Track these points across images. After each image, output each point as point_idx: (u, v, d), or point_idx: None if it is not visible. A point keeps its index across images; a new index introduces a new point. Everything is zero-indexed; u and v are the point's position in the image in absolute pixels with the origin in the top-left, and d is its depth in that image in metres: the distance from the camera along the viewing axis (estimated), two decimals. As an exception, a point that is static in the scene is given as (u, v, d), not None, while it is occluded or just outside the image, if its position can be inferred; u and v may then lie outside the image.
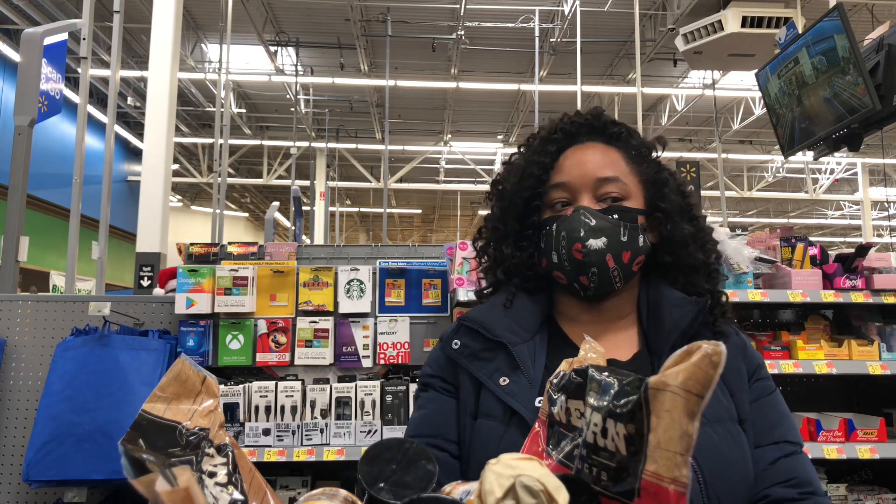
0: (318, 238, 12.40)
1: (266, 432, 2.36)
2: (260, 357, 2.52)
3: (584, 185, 1.00)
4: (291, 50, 10.55)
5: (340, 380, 2.52)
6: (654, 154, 1.07)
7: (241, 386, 2.39)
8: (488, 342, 0.98)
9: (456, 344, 1.01)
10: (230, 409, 2.37)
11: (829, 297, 2.50)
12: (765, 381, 0.99)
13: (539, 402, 0.89)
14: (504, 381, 0.94)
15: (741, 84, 11.40)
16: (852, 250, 2.60)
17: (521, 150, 1.12)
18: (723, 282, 1.10)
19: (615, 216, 0.98)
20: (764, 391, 0.98)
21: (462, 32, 9.39)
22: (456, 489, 0.62)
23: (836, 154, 5.72)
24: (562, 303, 1.06)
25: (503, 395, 0.92)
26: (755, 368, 0.99)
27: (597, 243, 0.95)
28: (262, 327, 2.53)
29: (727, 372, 0.89)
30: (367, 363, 2.55)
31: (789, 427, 0.97)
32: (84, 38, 4.22)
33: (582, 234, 0.96)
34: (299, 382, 2.43)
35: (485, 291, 1.12)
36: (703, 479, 0.82)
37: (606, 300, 1.01)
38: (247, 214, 19.29)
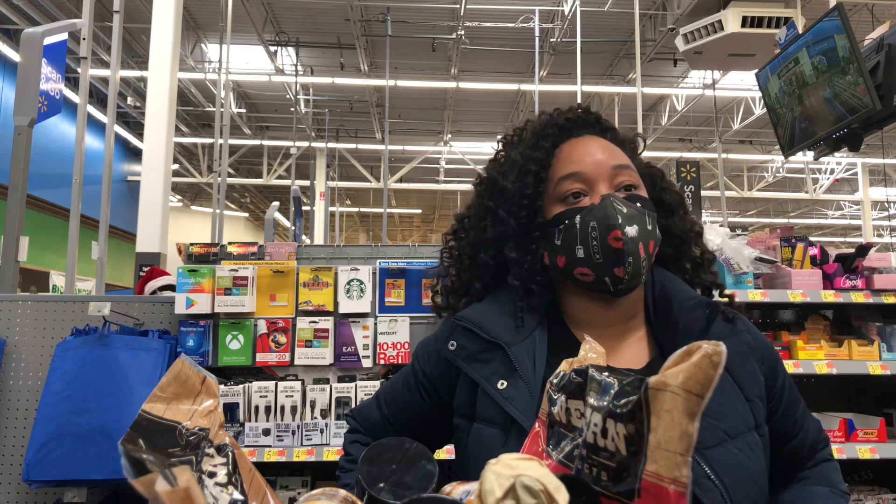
0: (318, 238, 12.40)
1: (266, 432, 2.36)
2: (260, 357, 2.51)
3: (600, 174, 0.95)
4: (291, 50, 10.55)
5: (340, 380, 2.52)
6: (639, 149, 1.07)
7: (241, 386, 2.39)
8: (485, 343, 0.95)
9: (452, 345, 0.97)
10: (230, 409, 2.37)
11: (829, 297, 2.50)
12: (789, 388, 0.98)
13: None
14: (502, 384, 0.90)
15: (741, 84, 11.41)
16: (852, 250, 2.60)
17: (509, 146, 1.07)
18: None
19: (639, 204, 0.94)
20: (791, 399, 0.97)
21: (462, 32, 9.39)
22: (456, 489, 0.62)
23: (836, 154, 5.72)
24: (570, 305, 1.00)
25: (501, 401, 0.88)
26: (775, 373, 0.95)
27: (632, 231, 0.90)
28: (262, 327, 2.53)
29: (742, 376, 0.89)
30: (367, 363, 2.55)
31: (803, 407, 1.00)
32: (84, 38, 4.21)
33: (620, 221, 0.89)
34: (299, 382, 2.43)
35: (461, 301, 1.06)
36: (728, 498, 0.79)
37: (627, 296, 0.96)
38: (247, 214, 19.29)
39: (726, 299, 1.00)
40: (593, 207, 0.92)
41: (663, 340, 0.95)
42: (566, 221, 0.94)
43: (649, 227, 0.93)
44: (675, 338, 0.92)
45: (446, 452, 1.75)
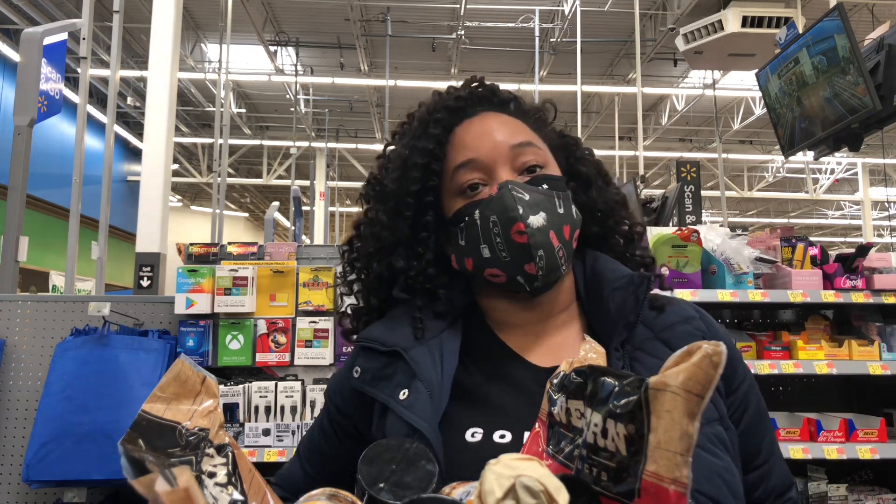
0: (318, 238, 12.40)
1: (266, 432, 2.36)
2: (260, 357, 2.52)
3: (498, 157, 0.83)
4: (291, 50, 10.55)
5: (340, 380, 2.52)
6: (549, 118, 0.93)
7: (240, 386, 2.39)
8: (385, 356, 0.83)
9: (357, 371, 0.85)
10: (230, 410, 2.37)
11: (830, 297, 2.49)
12: (756, 401, 0.84)
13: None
14: (404, 394, 0.78)
15: (741, 84, 11.41)
16: (853, 250, 2.60)
17: (395, 138, 0.94)
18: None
19: (545, 186, 0.82)
20: (758, 415, 0.84)
21: (462, 32, 9.39)
22: (456, 489, 0.62)
23: (836, 154, 5.72)
24: (489, 307, 0.89)
25: (401, 412, 0.77)
26: (733, 369, 0.82)
27: (538, 220, 0.78)
28: (262, 327, 2.53)
29: None
30: (367, 363, 2.55)
31: (772, 437, 0.86)
32: (84, 38, 4.21)
33: (521, 212, 0.78)
34: (299, 383, 2.43)
35: (362, 321, 0.93)
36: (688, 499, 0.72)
37: (549, 292, 0.84)
38: (247, 214, 19.30)
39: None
40: (491, 199, 0.81)
41: (598, 328, 0.84)
42: (466, 218, 0.83)
43: (561, 211, 0.81)
44: (609, 322, 0.82)
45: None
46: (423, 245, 0.87)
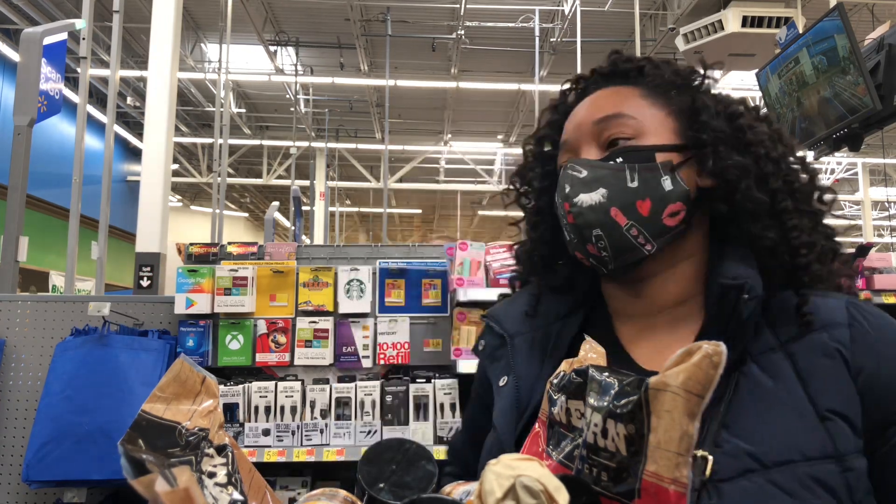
0: (318, 238, 12.40)
1: (266, 432, 2.35)
2: (260, 357, 2.52)
3: (582, 136, 0.80)
4: (291, 50, 10.55)
5: (340, 380, 2.52)
6: (694, 80, 0.82)
7: (240, 386, 2.39)
8: (499, 337, 0.86)
9: (481, 344, 0.89)
10: (230, 410, 2.37)
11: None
12: None
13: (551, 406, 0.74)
14: (503, 381, 0.81)
15: (741, 84, 11.38)
16: (853, 250, 2.60)
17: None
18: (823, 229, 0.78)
19: (619, 160, 0.75)
20: None
21: (462, 32, 9.39)
22: (456, 489, 0.62)
23: (836, 154, 5.72)
24: (609, 296, 0.85)
25: (496, 399, 0.81)
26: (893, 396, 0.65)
27: (591, 198, 0.74)
28: (262, 327, 2.53)
29: (813, 383, 0.65)
30: (366, 363, 2.55)
31: None
32: (84, 38, 4.21)
33: (568, 191, 0.76)
34: (299, 383, 2.43)
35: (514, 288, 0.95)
36: None
37: (648, 277, 0.77)
38: (247, 214, 19.29)
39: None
40: (558, 181, 0.80)
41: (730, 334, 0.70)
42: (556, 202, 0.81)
43: (633, 185, 0.74)
44: (739, 332, 0.69)
45: (446, 453, 1.75)
46: (545, 223, 0.88)
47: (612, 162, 0.76)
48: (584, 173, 0.76)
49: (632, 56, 0.86)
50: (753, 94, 11.47)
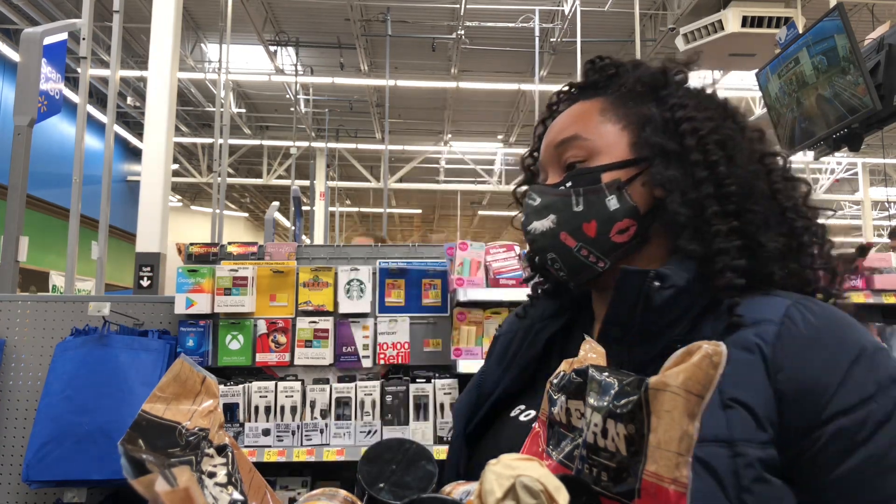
0: (318, 238, 12.40)
1: (266, 432, 2.36)
2: (260, 357, 2.52)
3: (547, 159, 0.84)
4: (291, 50, 10.55)
5: (340, 380, 2.52)
6: (658, 84, 0.82)
7: (240, 386, 2.39)
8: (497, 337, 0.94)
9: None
10: (230, 410, 2.37)
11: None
12: (866, 458, 0.61)
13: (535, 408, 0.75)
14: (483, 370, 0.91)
15: (741, 84, 11.39)
16: (853, 250, 2.60)
17: None
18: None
19: (568, 184, 0.79)
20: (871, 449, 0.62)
21: (462, 32, 9.39)
22: (456, 489, 0.62)
23: (836, 154, 5.72)
24: (593, 300, 0.88)
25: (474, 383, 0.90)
26: (817, 401, 0.63)
27: (542, 224, 0.79)
28: (262, 327, 2.53)
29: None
30: (366, 363, 2.55)
31: None
32: (84, 38, 4.21)
33: (524, 220, 0.82)
34: (299, 383, 2.43)
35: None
36: None
37: (610, 287, 0.78)
38: (247, 214, 19.30)
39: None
40: None
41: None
42: None
43: (578, 209, 0.77)
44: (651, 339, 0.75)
45: (446, 452, 1.75)
46: None
47: (561, 188, 0.79)
48: (538, 201, 0.80)
49: (606, 63, 0.86)
50: (753, 95, 11.49)
